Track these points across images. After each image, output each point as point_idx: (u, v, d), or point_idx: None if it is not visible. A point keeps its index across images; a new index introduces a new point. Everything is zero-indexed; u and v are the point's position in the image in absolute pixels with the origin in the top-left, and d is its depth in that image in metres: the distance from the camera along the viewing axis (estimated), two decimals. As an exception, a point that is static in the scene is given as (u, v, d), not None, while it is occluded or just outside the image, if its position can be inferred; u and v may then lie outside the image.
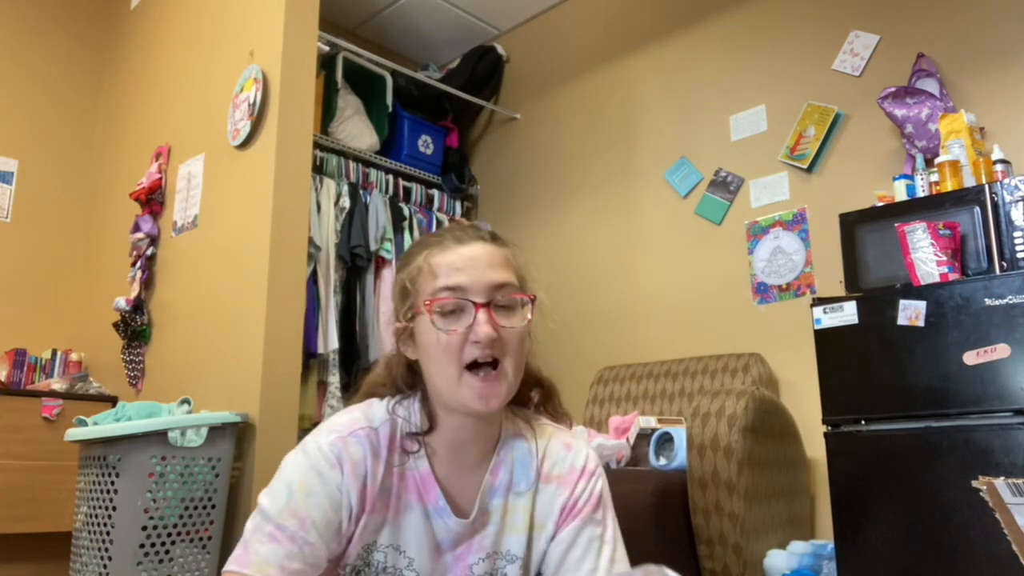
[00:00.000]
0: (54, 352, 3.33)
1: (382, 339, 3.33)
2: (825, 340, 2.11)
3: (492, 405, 0.99)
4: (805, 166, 2.91)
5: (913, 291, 2.00)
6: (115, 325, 3.09)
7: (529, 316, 1.01)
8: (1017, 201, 2.01)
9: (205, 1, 3.13)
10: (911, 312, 1.98)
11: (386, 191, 3.60)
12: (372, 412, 1.05)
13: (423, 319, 0.99)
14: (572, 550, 1.04)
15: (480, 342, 0.96)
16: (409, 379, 1.09)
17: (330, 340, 3.13)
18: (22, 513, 2.70)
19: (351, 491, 0.98)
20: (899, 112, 2.55)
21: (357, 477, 0.99)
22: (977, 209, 2.06)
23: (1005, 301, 1.84)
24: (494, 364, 0.99)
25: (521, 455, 1.08)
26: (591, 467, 1.09)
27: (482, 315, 0.97)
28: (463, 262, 0.99)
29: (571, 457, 1.09)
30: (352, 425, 1.02)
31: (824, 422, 2.10)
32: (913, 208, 2.18)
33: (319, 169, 3.34)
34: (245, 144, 2.70)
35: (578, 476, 1.08)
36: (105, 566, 2.16)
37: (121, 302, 3.02)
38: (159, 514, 2.21)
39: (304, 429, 3.00)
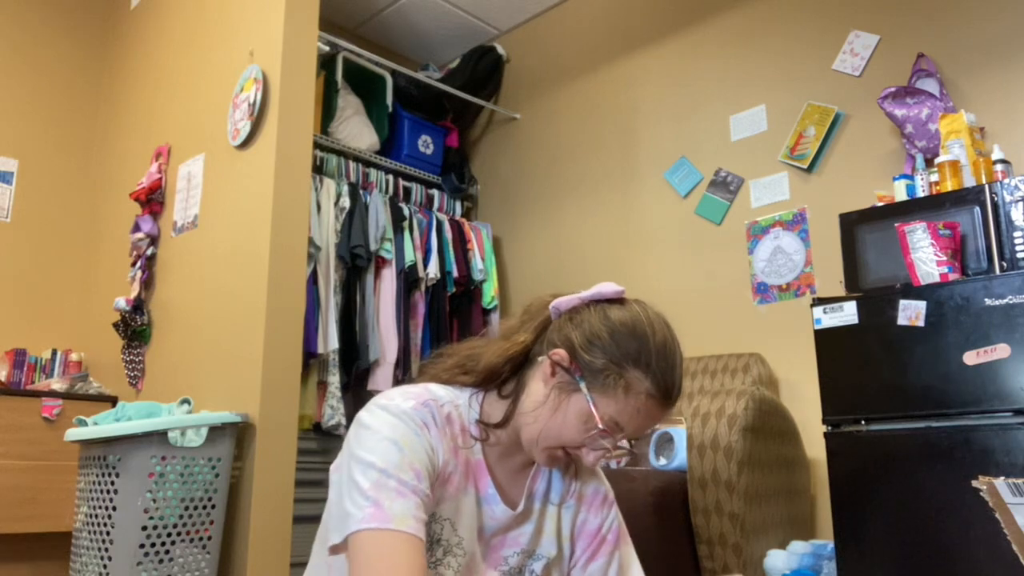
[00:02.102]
0: (54, 352, 3.33)
1: (382, 339, 3.33)
2: (825, 340, 2.11)
3: (553, 467, 1.14)
4: (805, 166, 2.91)
5: (913, 291, 2.00)
6: (115, 325, 3.09)
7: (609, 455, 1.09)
8: (1017, 201, 2.01)
9: (205, 1, 3.13)
10: (911, 312, 1.98)
11: (386, 191, 3.60)
12: (435, 392, 1.09)
13: (585, 403, 1.02)
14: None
15: (584, 461, 1.05)
16: (496, 380, 1.12)
17: (330, 340, 3.13)
18: (22, 513, 2.70)
19: (438, 450, 1.03)
20: (899, 112, 2.55)
21: (436, 440, 1.04)
22: (977, 209, 2.06)
23: (1005, 301, 1.84)
24: None
25: (557, 470, 1.17)
26: (611, 497, 1.21)
27: (606, 449, 1.05)
28: (653, 420, 1.05)
29: (595, 483, 1.21)
30: (423, 395, 1.06)
31: (824, 422, 2.10)
32: (913, 208, 2.18)
33: (319, 169, 3.34)
34: (245, 144, 2.70)
35: (601, 502, 1.19)
36: (105, 566, 2.16)
37: (121, 302, 3.02)
38: (159, 514, 2.21)
39: (304, 429, 3.01)
